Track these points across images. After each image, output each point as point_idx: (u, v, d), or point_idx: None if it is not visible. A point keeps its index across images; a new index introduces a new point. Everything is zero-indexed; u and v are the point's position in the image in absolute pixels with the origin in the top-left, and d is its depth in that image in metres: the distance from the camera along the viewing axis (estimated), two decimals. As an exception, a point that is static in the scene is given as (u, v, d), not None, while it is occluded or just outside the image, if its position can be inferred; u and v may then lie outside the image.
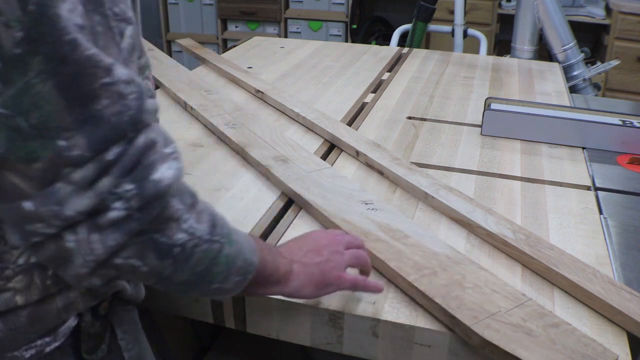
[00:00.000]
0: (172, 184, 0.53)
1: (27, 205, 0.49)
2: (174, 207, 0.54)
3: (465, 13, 2.65)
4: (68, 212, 0.49)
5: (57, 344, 0.61)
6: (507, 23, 2.94)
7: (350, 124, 1.40)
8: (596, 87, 2.20)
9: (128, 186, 0.50)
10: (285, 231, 0.94)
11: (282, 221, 0.97)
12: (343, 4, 3.72)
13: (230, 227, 0.61)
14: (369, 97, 1.60)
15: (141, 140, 0.51)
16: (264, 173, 1.11)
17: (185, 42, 2.13)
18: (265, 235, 0.93)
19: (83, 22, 0.49)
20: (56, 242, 0.51)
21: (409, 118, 1.46)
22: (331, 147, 1.27)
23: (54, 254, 0.52)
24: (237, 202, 1.02)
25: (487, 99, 1.44)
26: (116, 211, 0.50)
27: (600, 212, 1.04)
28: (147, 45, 1.97)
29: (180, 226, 0.54)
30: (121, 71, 0.50)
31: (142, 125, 0.52)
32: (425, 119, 1.45)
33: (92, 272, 0.53)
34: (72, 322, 0.63)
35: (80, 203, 0.50)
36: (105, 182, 0.50)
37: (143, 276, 0.56)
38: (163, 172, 0.52)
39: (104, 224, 0.50)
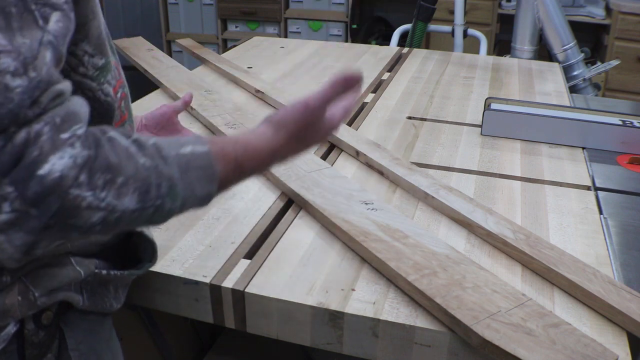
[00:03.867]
0: (65, 174, 0.49)
1: None
2: (78, 195, 0.50)
3: (465, 13, 2.65)
4: None
5: None
6: (507, 23, 2.93)
7: (350, 124, 1.40)
8: (596, 87, 2.20)
9: (8, 188, 0.48)
10: (285, 231, 0.94)
11: (282, 221, 0.97)
12: (343, 4, 3.72)
13: (175, 177, 0.57)
14: (369, 97, 1.60)
15: (21, 135, 0.48)
16: (264, 173, 1.11)
17: (185, 42, 2.13)
18: (265, 235, 0.93)
19: None
20: None
21: (409, 118, 1.46)
22: (331, 147, 1.27)
23: None
24: (237, 202, 1.02)
25: (487, 99, 1.44)
26: (6, 214, 0.48)
27: (600, 212, 1.04)
28: (146, 45, 1.97)
29: (95, 208, 0.51)
30: (7, 62, 0.48)
31: (24, 120, 0.49)
32: (425, 119, 1.45)
33: (20, 261, 0.53)
34: (11, 328, 0.62)
35: None
36: None
37: (78, 240, 0.57)
38: (53, 164, 0.49)
39: (0, 226, 0.49)
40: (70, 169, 0.49)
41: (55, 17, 0.53)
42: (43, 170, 0.48)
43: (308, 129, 0.69)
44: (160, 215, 0.58)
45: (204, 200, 0.62)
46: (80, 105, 0.53)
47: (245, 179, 0.67)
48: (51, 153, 0.49)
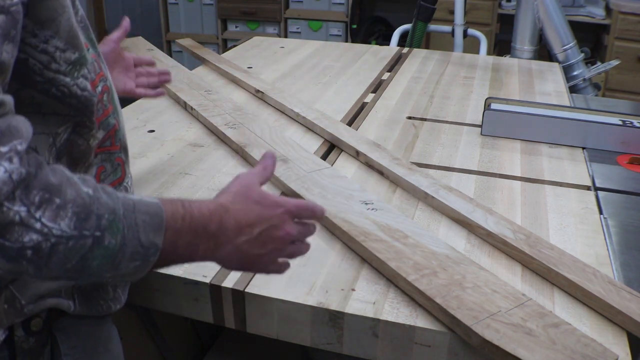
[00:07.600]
0: (1, 187, 0.46)
1: None
2: (13, 210, 0.47)
3: (465, 13, 2.65)
4: None
5: None
6: (507, 23, 2.93)
7: (350, 124, 1.40)
8: (596, 87, 2.20)
9: None
10: (285, 231, 0.94)
11: (282, 221, 0.97)
12: (343, 4, 3.72)
13: (119, 212, 0.54)
14: (369, 97, 1.60)
15: None
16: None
17: (186, 42, 2.13)
18: (265, 235, 0.93)
19: None
20: None
21: (409, 118, 1.46)
22: (331, 147, 1.27)
23: None
24: (237, 202, 1.02)
25: (487, 99, 1.44)
26: None
27: (600, 212, 1.04)
28: (146, 45, 1.97)
29: (29, 228, 0.48)
30: None
31: None
32: (425, 119, 1.45)
33: None
34: (0, 335, 0.61)
35: None
36: None
37: (6, 275, 0.54)
38: None
39: None
40: (4, 184, 0.47)
41: None
42: None
43: (249, 188, 0.64)
44: (98, 252, 0.53)
45: (148, 250, 0.56)
46: (22, 122, 0.51)
47: (197, 238, 0.59)
48: None
